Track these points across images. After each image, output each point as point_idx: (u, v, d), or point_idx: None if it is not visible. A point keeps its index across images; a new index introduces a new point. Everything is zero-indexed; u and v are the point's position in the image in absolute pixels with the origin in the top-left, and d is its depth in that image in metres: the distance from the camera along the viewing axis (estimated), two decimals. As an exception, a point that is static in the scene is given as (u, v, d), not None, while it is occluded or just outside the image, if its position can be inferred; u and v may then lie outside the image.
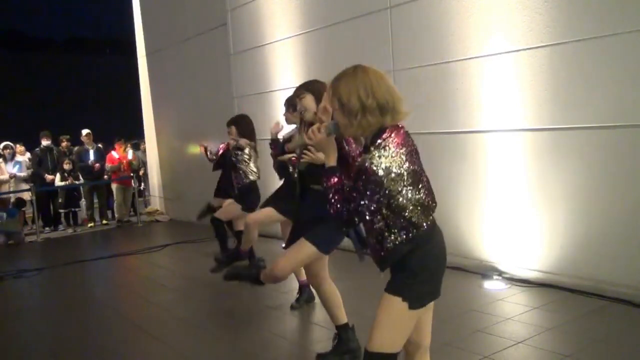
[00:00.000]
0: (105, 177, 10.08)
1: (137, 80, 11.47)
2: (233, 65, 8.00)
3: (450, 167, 5.03)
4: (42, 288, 5.93)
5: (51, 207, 9.80)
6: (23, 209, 9.53)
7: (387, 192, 1.88)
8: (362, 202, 1.87)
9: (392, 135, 1.90)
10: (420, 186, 1.96)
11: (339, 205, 1.93)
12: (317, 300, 4.71)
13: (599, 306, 3.91)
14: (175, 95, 9.54)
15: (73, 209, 9.79)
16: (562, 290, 4.23)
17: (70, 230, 9.47)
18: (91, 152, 9.76)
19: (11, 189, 9.54)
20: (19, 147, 10.23)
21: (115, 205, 10.09)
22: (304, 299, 4.42)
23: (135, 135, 12.48)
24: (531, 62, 4.41)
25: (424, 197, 1.97)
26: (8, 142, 10.06)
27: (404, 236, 1.96)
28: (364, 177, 1.87)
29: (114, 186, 9.99)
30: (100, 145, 10.44)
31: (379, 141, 1.89)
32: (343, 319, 3.35)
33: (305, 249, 3.20)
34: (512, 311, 3.92)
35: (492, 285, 4.53)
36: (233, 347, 3.70)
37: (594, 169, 4.10)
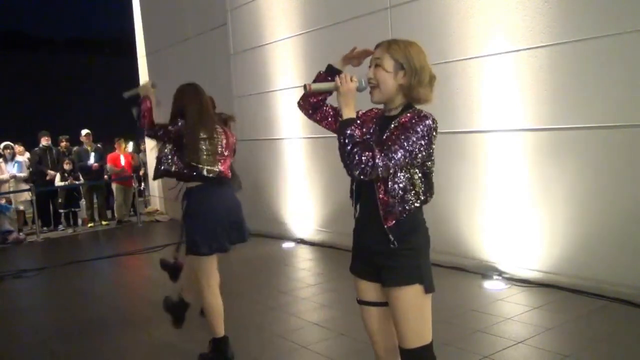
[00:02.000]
0: (105, 177, 10.08)
1: (137, 80, 11.47)
2: (233, 65, 8.00)
3: (450, 167, 5.03)
4: (42, 288, 5.93)
5: (51, 207, 9.81)
6: (22, 208, 9.55)
7: (430, 153, 1.93)
8: (399, 155, 1.85)
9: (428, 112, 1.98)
10: (432, 168, 2.01)
11: (362, 157, 1.86)
12: (318, 300, 4.71)
13: (599, 306, 3.91)
14: (175, 95, 9.52)
15: (73, 209, 9.79)
16: (562, 290, 4.23)
17: (70, 230, 9.47)
18: (92, 154, 9.76)
19: (11, 189, 9.54)
20: (19, 147, 10.23)
21: (115, 205, 10.10)
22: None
23: (135, 135, 12.48)
24: (531, 62, 4.41)
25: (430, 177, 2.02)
26: (8, 142, 10.06)
27: (423, 199, 1.98)
28: (407, 133, 1.88)
29: (114, 186, 10.00)
30: (100, 145, 10.45)
31: (422, 112, 1.96)
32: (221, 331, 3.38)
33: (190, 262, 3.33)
34: (512, 311, 3.92)
35: (492, 285, 4.53)
36: (233, 348, 3.70)
37: (594, 169, 4.10)
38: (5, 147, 9.89)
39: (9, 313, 4.98)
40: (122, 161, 9.97)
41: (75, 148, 10.33)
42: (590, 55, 4.05)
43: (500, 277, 4.61)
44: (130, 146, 10.24)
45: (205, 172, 3.25)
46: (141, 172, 10.92)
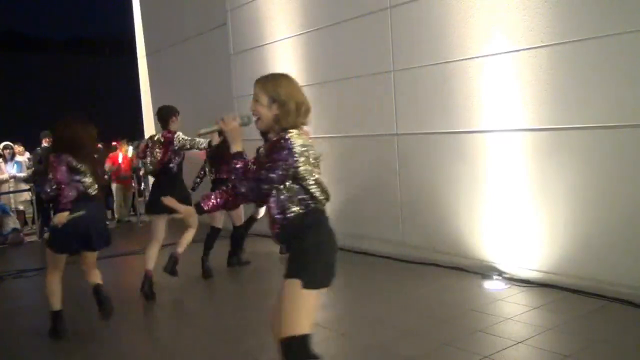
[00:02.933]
0: (105, 177, 10.07)
1: (137, 80, 11.48)
2: (233, 65, 8.00)
3: (450, 167, 5.03)
4: (42, 288, 5.90)
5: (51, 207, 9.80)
6: (22, 208, 9.55)
7: (296, 168, 2.27)
8: (272, 176, 2.26)
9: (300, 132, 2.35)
10: (316, 175, 2.36)
11: (246, 183, 2.31)
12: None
13: (599, 306, 3.91)
14: (175, 95, 9.51)
15: (73, 209, 9.78)
16: (562, 290, 4.23)
17: (70, 230, 9.46)
18: None
19: (11, 189, 9.53)
20: (19, 147, 10.23)
21: (115, 205, 10.08)
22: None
23: (135, 135, 12.48)
24: (531, 62, 4.41)
25: (320, 182, 2.38)
26: (8, 142, 10.06)
27: (305, 207, 2.33)
28: (274, 156, 2.26)
29: (114, 186, 9.99)
30: (100, 145, 10.43)
31: (284, 137, 2.29)
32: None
33: None
34: (512, 311, 3.92)
35: (492, 285, 4.53)
36: (233, 348, 3.70)
37: (594, 169, 4.10)
38: (5, 147, 9.88)
39: (9, 313, 4.98)
40: (120, 158, 9.96)
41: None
42: (590, 55, 4.05)
43: (500, 277, 4.61)
44: (130, 151, 10.21)
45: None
46: (141, 172, 10.91)
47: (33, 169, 9.73)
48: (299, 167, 2.28)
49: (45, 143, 9.72)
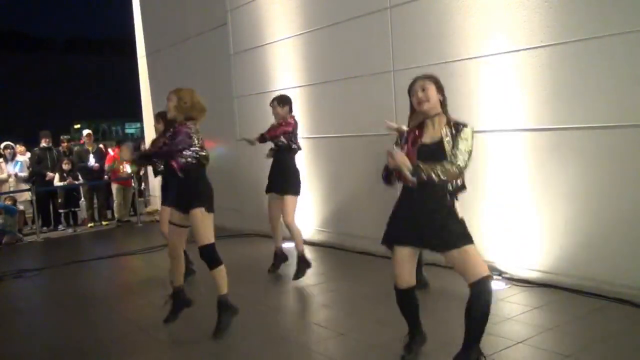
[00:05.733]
0: (106, 177, 10.07)
1: (137, 80, 11.47)
2: (233, 65, 8.00)
3: (450, 167, 5.02)
4: (42, 288, 5.93)
5: (51, 207, 9.80)
6: (22, 208, 9.54)
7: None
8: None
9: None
10: None
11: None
12: (318, 300, 4.71)
13: (599, 306, 3.91)
14: (175, 95, 9.52)
15: (73, 209, 9.78)
16: (562, 290, 4.23)
17: (70, 230, 9.47)
18: (91, 154, 9.75)
19: (11, 189, 9.53)
20: (19, 147, 10.23)
21: (115, 205, 10.08)
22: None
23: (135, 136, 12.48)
24: (531, 62, 4.40)
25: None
26: (8, 142, 10.05)
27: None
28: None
29: (114, 186, 9.98)
30: (101, 145, 10.44)
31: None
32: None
33: None
34: (512, 311, 3.92)
35: (492, 285, 4.51)
36: (233, 348, 3.70)
37: (594, 169, 4.09)
38: (6, 147, 9.88)
39: (9, 313, 4.98)
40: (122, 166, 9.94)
41: (75, 148, 10.32)
42: (590, 55, 4.05)
43: (500, 277, 4.61)
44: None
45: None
46: (141, 172, 10.90)
47: (31, 169, 9.74)
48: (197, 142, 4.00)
49: (44, 143, 9.72)
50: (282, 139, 5.10)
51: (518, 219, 4.59)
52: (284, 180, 5.16)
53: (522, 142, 4.54)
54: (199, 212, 3.79)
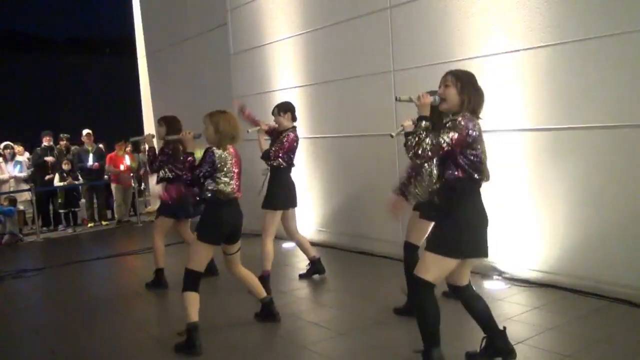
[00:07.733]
0: (105, 177, 10.07)
1: (137, 80, 11.48)
2: (233, 65, 8.00)
3: (450, 167, 5.02)
4: (42, 288, 5.93)
5: (51, 207, 9.80)
6: (22, 208, 9.54)
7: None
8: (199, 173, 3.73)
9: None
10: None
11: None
12: (318, 300, 4.71)
13: (599, 306, 3.91)
14: (175, 95, 9.53)
15: (73, 209, 9.78)
16: (562, 290, 4.23)
17: (70, 230, 9.47)
18: (90, 154, 9.75)
19: (11, 189, 9.53)
20: (19, 147, 10.23)
21: (115, 205, 10.09)
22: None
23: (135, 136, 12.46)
24: (531, 62, 4.41)
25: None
26: (8, 142, 10.06)
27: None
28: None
29: (113, 186, 9.98)
30: (101, 145, 10.44)
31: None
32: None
33: None
34: (512, 311, 3.92)
35: (492, 285, 4.53)
36: (233, 348, 3.70)
37: (594, 169, 4.10)
38: (5, 147, 9.88)
39: (9, 313, 4.98)
40: (122, 167, 9.93)
41: (74, 148, 10.31)
42: (590, 55, 4.05)
43: (500, 277, 4.61)
44: (127, 159, 10.18)
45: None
46: (141, 172, 10.90)
47: (32, 169, 9.74)
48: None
49: (45, 142, 9.73)
50: (280, 160, 4.86)
51: (518, 219, 4.59)
52: (268, 194, 4.94)
53: (522, 142, 4.54)
54: (197, 239, 3.78)
